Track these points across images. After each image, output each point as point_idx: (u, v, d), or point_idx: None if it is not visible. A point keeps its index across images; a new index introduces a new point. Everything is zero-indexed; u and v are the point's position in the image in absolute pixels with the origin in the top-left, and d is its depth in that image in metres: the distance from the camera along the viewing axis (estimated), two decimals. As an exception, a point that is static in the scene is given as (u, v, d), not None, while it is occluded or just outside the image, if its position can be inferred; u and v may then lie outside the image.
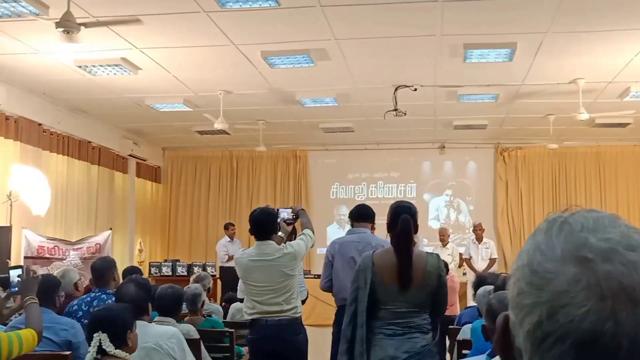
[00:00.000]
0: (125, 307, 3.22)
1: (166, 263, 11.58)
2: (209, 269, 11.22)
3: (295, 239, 4.79)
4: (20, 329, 3.50)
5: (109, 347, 2.81)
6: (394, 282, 3.49)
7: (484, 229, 11.36)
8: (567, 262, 0.70)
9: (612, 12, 6.30)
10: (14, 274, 3.66)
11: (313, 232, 4.82)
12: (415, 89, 9.12)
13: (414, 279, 3.51)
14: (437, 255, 3.87)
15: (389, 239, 3.93)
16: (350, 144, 13.29)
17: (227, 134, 11.28)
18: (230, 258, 10.94)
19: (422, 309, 3.62)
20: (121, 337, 2.90)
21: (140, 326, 3.50)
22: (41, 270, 8.08)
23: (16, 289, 3.66)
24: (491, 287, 4.31)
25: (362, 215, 5.14)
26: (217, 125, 9.72)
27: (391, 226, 3.67)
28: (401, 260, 3.51)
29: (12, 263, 8.38)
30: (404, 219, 3.56)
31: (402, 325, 3.51)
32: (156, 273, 11.40)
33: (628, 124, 10.62)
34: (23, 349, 3.13)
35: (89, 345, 2.87)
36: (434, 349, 3.71)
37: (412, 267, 3.51)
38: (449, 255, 10.18)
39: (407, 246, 3.55)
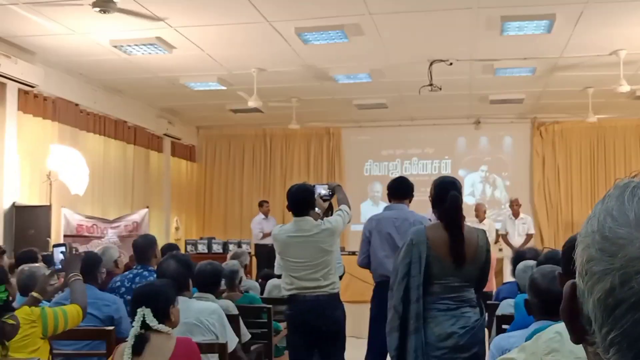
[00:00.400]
0: (168, 282, 3.27)
1: (202, 240, 11.69)
2: (244, 246, 11.31)
3: (331, 215, 4.82)
4: (64, 305, 3.59)
5: (152, 321, 2.84)
6: (448, 257, 3.50)
7: (520, 205, 11.29)
8: None
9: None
10: (58, 252, 3.74)
11: (350, 208, 4.84)
12: (451, 64, 9.04)
13: (467, 254, 3.53)
14: (484, 230, 3.90)
15: (429, 215, 3.91)
16: (384, 120, 13.23)
17: (261, 112, 11.31)
18: (265, 235, 11.04)
19: (472, 284, 3.65)
20: (164, 312, 2.94)
21: (182, 302, 3.57)
22: (81, 248, 8.25)
23: (60, 266, 3.74)
24: (532, 262, 4.28)
25: (400, 190, 5.14)
26: (251, 103, 9.76)
27: (437, 202, 3.67)
28: (454, 236, 3.53)
29: (53, 241, 8.56)
30: (452, 195, 3.58)
31: (455, 300, 3.52)
32: (192, 250, 11.52)
33: (670, 96, 10.42)
34: (68, 324, 3.21)
35: (132, 320, 2.92)
36: (484, 323, 3.74)
37: (464, 243, 3.53)
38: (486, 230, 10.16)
39: (459, 222, 3.56)
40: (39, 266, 4.52)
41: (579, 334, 0.75)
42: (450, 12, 7.22)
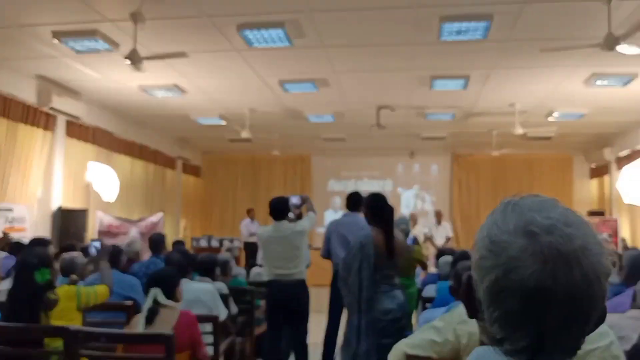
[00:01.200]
0: (174, 269, 3.24)
1: (203, 237, 11.59)
2: (235, 242, 11.23)
3: (301, 219, 4.81)
4: (94, 284, 3.53)
5: (162, 298, 2.83)
6: (385, 252, 3.52)
7: (442, 215, 11.40)
8: (518, 234, 0.70)
9: (539, 54, 6.32)
10: (93, 245, 3.68)
11: (315, 214, 4.85)
12: (394, 110, 9.14)
13: (396, 249, 3.56)
14: (407, 234, 4.00)
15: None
16: (343, 150, 13.28)
17: (251, 141, 11.26)
18: (252, 235, 10.95)
19: (399, 273, 3.68)
20: (171, 291, 2.91)
21: (185, 283, 3.53)
22: (111, 242, 8.11)
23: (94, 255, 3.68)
24: (450, 257, 4.32)
25: (354, 203, 5.14)
26: (244, 135, 9.74)
27: (376, 212, 3.68)
28: (388, 236, 3.56)
29: (89, 236, 8.41)
30: (390, 208, 3.63)
31: (390, 284, 3.54)
32: (196, 245, 11.41)
33: (551, 137, 10.64)
34: (98, 299, 3.16)
35: (146, 298, 2.90)
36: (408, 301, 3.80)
37: (394, 241, 3.57)
38: (416, 234, 10.24)
39: (392, 227, 3.60)
40: (76, 254, 4.44)
41: (473, 312, 0.77)
42: (394, 72, 7.31)
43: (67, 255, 4.25)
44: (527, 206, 0.74)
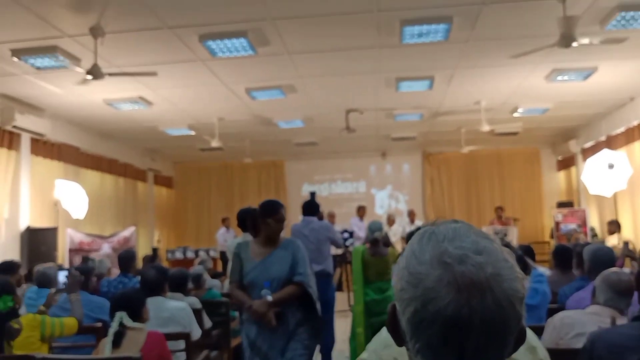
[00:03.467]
0: (137, 290, 3.17)
1: (178, 249, 11.46)
2: (211, 252, 11.13)
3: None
4: (64, 307, 3.44)
5: (128, 321, 2.77)
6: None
7: (415, 214, 11.49)
8: (433, 265, 0.71)
9: (500, 52, 6.43)
10: (62, 275, 3.58)
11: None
12: (362, 112, 9.18)
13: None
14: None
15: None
16: (315, 154, 13.29)
17: (222, 150, 11.20)
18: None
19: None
20: (137, 312, 2.86)
21: (160, 301, 3.48)
22: (80, 259, 7.95)
23: (64, 286, 3.56)
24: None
25: (308, 210, 5.59)
26: (214, 144, 9.67)
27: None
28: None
29: (60, 254, 8.23)
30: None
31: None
32: (171, 257, 11.28)
33: (517, 132, 10.81)
34: (64, 332, 3.04)
35: (112, 321, 2.82)
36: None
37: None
38: (394, 233, 10.43)
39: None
40: (50, 265, 4.39)
41: (399, 341, 0.77)
42: (360, 75, 7.33)
43: (40, 267, 4.18)
44: (441, 235, 0.75)
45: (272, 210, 3.20)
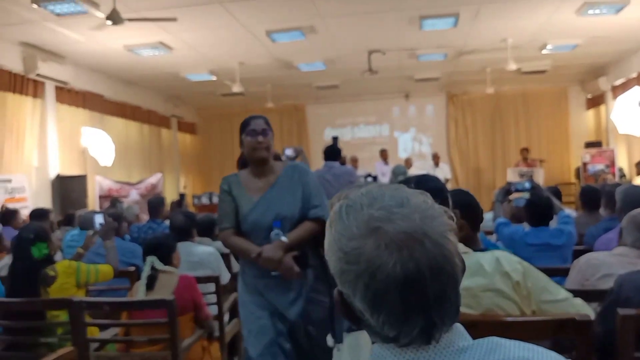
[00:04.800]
0: (168, 235, 3.23)
1: (204, 194, 11.61)
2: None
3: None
4: (99, 253, 3.54)
5: (159, 265, 2.84)
6: None
7: (439, 157, 11.40)
8: (364, 235, 0.70)
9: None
10: (97, 218, 3.63)
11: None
12: (384, 53, 8.98)
13: None
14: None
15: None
16: (337, 97, 13.13)
17: (243, 95, 11.14)
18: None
19: None
20: (167, 257, 2.91)
21: (188, 246, 3.56)
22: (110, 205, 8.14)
23: (99, 229, 3.60)
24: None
25: (330, 155, 5.49)
26: (235, 89, 9.61)
27: None
28: None
29: (89, 202, 8.43)
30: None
31: None
32: (197, 202, 11.47)
33: (545, 70, 10.49)
34: (99, 279, 3.09)
35: (144, 265, 2.88)
36: None
37: None
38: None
39: None
40: (91, 211, 4.57)
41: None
42: (381, 13, 7.12)
43: (81, 211, 4.37)
44: (358, 204, 0.73)
45: (244, 124, 2.50)
